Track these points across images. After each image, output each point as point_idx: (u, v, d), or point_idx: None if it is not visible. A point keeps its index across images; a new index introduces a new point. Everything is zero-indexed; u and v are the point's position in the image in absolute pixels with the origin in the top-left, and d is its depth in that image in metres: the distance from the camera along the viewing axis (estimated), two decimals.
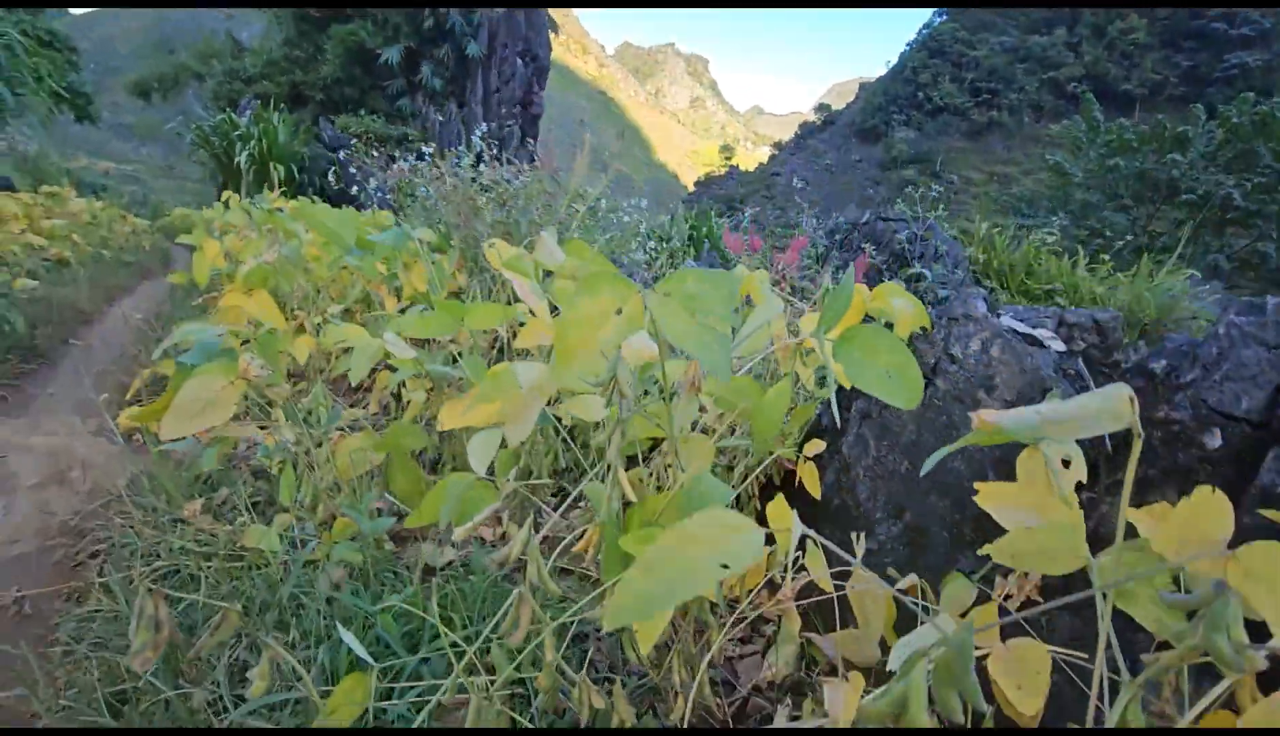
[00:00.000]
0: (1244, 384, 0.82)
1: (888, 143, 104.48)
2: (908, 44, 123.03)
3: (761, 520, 0.72)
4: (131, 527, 1.40)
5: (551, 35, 18.32)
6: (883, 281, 3.54)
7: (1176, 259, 3.74)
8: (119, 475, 1.75)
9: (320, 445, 1.37)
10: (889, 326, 1.47)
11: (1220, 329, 0.88)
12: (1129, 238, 15.77)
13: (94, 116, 22.00)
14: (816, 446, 1.14)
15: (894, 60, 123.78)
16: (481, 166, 5.64)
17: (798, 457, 1.17)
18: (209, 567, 1.19)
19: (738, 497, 1.30)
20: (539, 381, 0.99)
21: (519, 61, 17.82)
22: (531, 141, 19.28)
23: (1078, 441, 0.69)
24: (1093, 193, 16.52)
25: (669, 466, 1.04)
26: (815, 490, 1.13)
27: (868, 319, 1.46)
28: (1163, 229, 16.14)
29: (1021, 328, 1.08)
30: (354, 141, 17.92)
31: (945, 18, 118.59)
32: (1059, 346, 1.06)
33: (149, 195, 32.57)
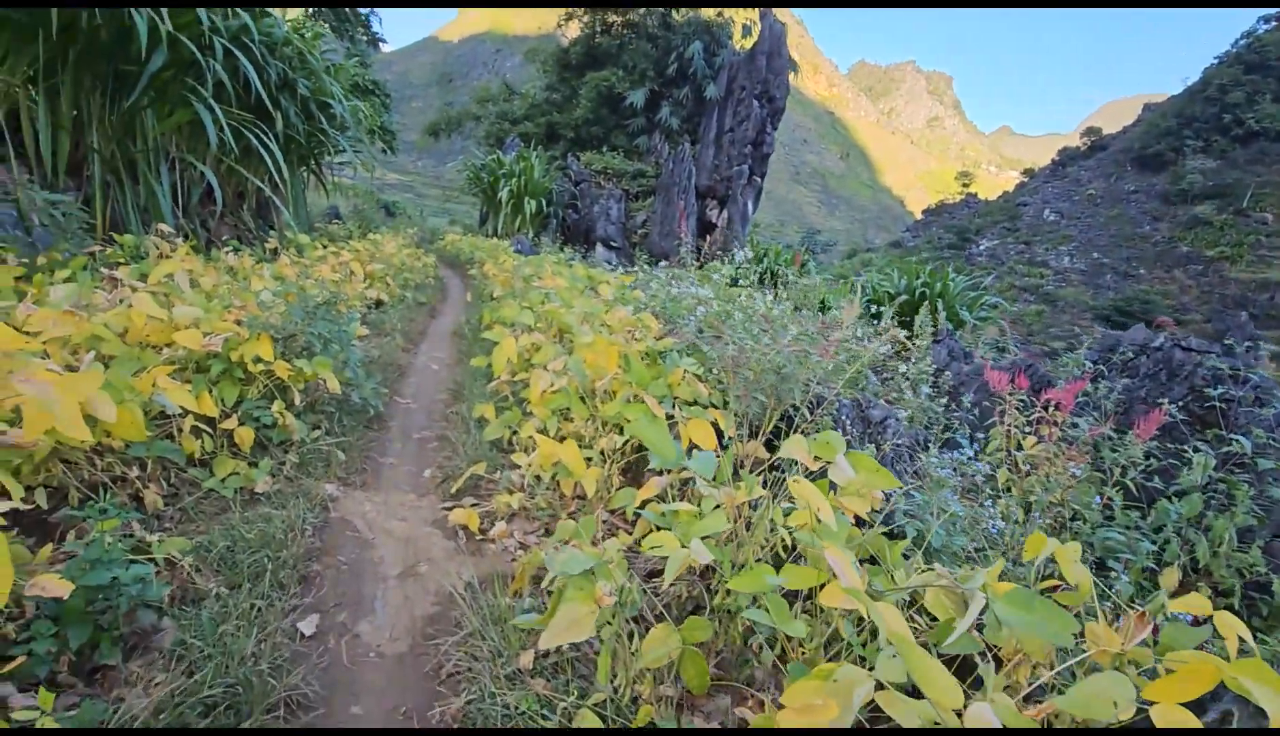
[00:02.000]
0: None
1: (1175, 172, 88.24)
2: (1216, 57, 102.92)
3: None
4: (476, 659, 1.77)
5: (790, 76, 18.44)
6: (1187, 445, 3.04)
7: None
8: (456, 579, 2.19)
9: (631, 635, 1.61)
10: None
11: None
12: None
13: (396, 149, 26.72)
14: None
15: (1192, 77, 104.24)
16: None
17: None
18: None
19: None
20: (864, 698, 1.09)
21: (755, 103, 18.18)
22: (759, 179, 19.58)
23: None
24: None
25: None
26: None
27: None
28: None
29: None
30: (595, 176, 19.67)
31: (1271, 25, 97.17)
32: None
33: (423, 209, 38.53)
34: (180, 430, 2.58)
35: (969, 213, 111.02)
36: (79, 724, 1.39)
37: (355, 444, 3.20)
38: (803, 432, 2.52)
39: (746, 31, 20.39)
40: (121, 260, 5.11)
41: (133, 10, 5.31)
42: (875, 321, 11.39)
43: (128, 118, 6.71)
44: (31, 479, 2.18)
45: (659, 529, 1.79)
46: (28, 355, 1.93)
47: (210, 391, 2.78)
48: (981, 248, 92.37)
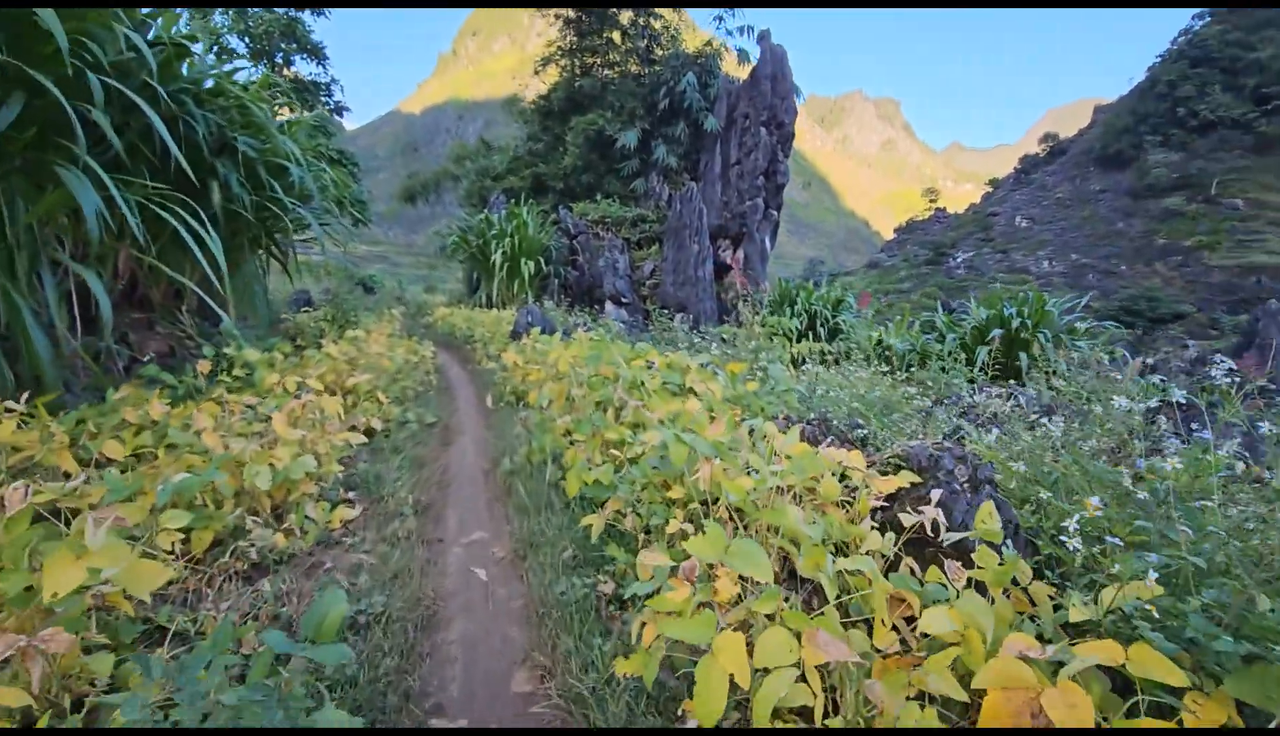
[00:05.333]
0: None
1: (1139, 168, 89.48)
2: (1158, 55, 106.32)
3: None
4: None
5: (797, 101, 16.81)
6: None
7: None
8: None
9: None
10: None
11: None
12: None
13: (368, 220, 24.75)
14: None
15: (1136, 76, 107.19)
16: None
17: None
18: None
19: None
20: None
21: (763, 131, 16.48)
22: (775, 212, 17.75)
23: None
24: None
25: None
26: None
27: None
28: None
29: None
30: (591, 227, 17.74)
31: (1206, 21, 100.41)
32: None
33: (400, 278, 36.48)
34: None
35: (941, 227, 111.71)
36: None
37: None
38: None
39: (744, 57, 18.87)
40: None
41: None
42: (970, 368, 9.23)
43: None
44: None
45: None
46: None
47: None
48: (959, 260, 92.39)
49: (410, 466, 4.38)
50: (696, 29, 21.31)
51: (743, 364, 4.52)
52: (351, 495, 3.70)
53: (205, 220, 5.48)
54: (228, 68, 6.34)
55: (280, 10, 23.82)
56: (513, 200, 17.32)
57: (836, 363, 9.49)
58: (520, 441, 4.82)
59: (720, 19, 18.82)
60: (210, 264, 5.34)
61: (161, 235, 5.56)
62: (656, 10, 20.05)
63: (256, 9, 22.41)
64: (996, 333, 9.66)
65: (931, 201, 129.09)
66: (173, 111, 5.21)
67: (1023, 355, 9.47)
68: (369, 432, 4.97)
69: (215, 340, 5.56)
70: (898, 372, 8.23)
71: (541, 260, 15.44)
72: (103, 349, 5.54)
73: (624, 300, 16.09)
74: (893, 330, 12.36)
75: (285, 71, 25.16)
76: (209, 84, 6.25)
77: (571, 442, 4.23)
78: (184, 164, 4.97)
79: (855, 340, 11.93)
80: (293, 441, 3.14)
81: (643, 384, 4.70)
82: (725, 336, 9.83)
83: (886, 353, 10.78)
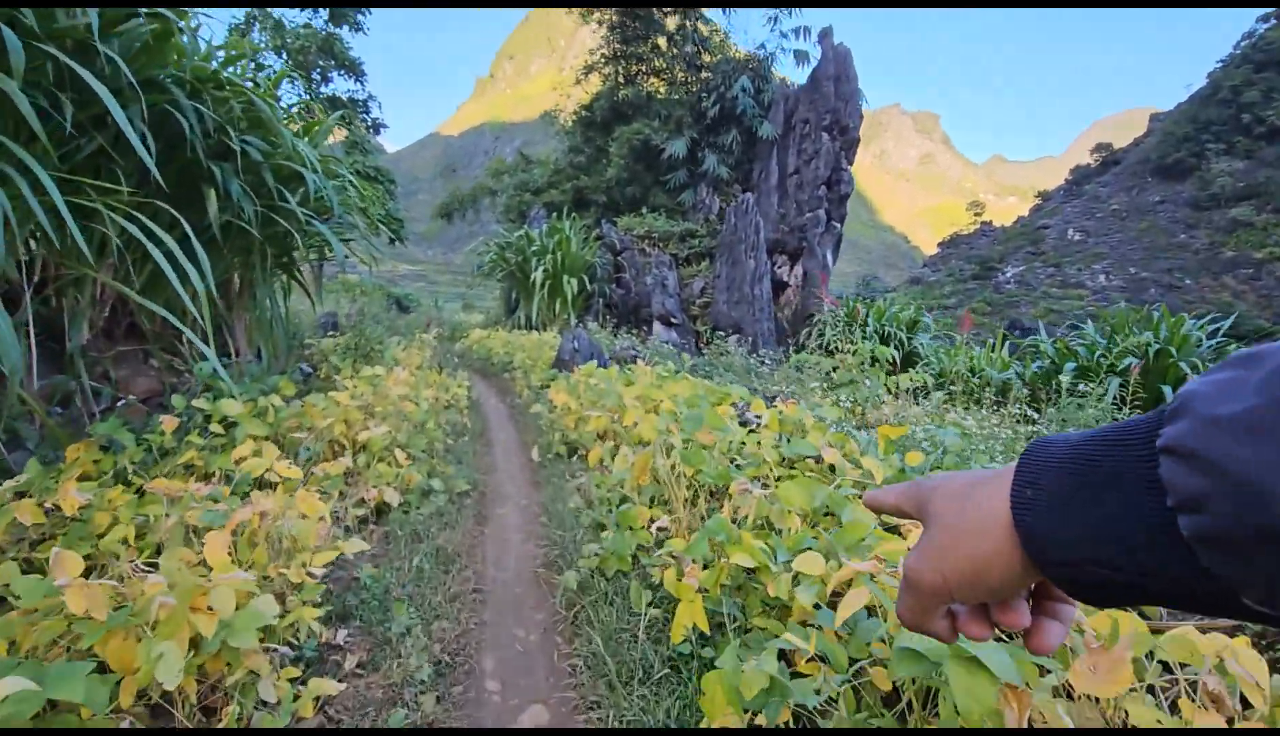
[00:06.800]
0: None
1: (1201, 177, 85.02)
2: (1219, 60, 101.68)
3: None
4: None
5: (863, 105, 15.42)
6: None
7: None
8: None
9: None
10: None
11: None
12: None
13: (403, 238, 24.09)
14: None
15: (1194, 84, 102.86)
16: None
17: None
18: None
19: None
20: None
21: (824, 136, 15.10)
22: (838, 225, 16.32)
23: None
24: None
25: None
26: None
27: None
28: None
29: None
30: (637, 242, 16.54)
31: (1272, 24, 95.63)
32: None
33: (437, 297, 35.90)
34: None
35: (987, 241, 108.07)
36: None
37: None
38: None
39: (801, 59, 17.58)
40: None
41: None
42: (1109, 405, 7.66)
43: None
44: None
45: None
46: None
47: None
48: (1008, 275, 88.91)
49: (433, 569, 3.12)
50: (737, 49, 20.14)
51: (903, 428, 3.15)
52: (342, 636, 2.45)
53: (195, 238, 4.32)
54: (221, 56, 5.25)
55: (319, 25, 23.47)
56: (553, 215, 16.24)
57: (928, 397, 8.04)
58: (582, 527, 3.53)
59: (774, 19, 17.59)
60: (185, 287, 4.21)
61: (128, 258, 4.44)
62: (704, 13, 18.95)
63: (295, 24, 22.03)
64: (1133, 361, 8.04)
65: (977, 215, 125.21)
66: (149, 101, 4.10)
67: (1167, 389, 7.87)
68: (380, 510, 3.74)
69: (187, 387, 4.41)
70: (1009, 409, 6.77)
71: (585, 278, 14.27)
72: (75, 389, 4.43)
73: (674, 320, 14.79)
74: (983, 355, 10.74)
75: (323, 88, 24.80)
76: (202, 69, 5.15)
77: (660, 541, 2.92)
78: (150, 163, 3.80)
79: (940, 367, 10.40)
80: (239, 581, 1.90)
81: (742, 445, 3.40)
82: (799, 366, 8.48)
83: (985, 383, 9.23)
